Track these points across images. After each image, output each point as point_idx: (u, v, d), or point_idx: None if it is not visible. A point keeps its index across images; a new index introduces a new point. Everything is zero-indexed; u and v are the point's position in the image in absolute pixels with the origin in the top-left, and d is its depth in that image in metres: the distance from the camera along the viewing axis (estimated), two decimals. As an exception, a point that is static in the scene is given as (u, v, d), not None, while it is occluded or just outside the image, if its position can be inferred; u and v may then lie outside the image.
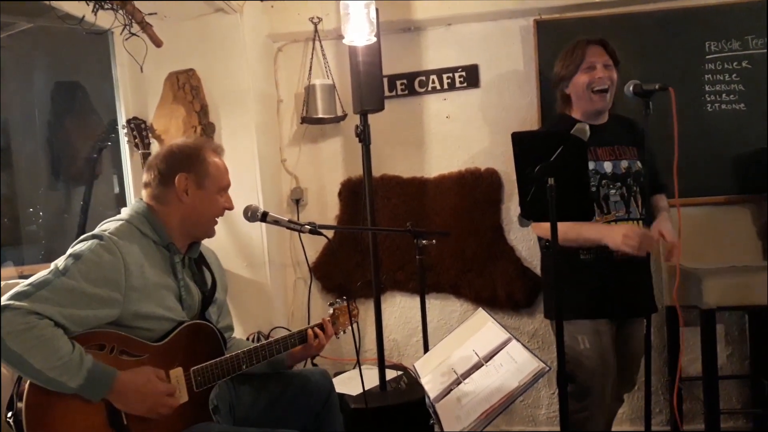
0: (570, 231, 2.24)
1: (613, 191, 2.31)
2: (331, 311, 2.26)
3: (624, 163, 2.34)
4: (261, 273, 3.01)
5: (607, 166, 2.33)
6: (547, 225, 2.21)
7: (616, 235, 2.16)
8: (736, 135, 2.89)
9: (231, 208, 1.94)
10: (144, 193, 1.88)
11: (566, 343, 2.29)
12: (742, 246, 2.94)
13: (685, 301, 2.33)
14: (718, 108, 2.91)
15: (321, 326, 2.14)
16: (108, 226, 1.74)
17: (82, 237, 1.68)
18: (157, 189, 1.85)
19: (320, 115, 3.08)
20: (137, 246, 1.72)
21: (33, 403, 1.49)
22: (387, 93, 3.14)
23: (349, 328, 2.27)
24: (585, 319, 2.29)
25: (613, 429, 2.51)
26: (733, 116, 2.89)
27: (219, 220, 1.95)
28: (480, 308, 2.14)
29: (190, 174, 1.84)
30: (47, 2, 2.31)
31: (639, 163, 2.35)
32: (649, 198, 2.39)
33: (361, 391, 2.12)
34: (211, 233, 1.92)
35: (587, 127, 1.77)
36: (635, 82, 2.03)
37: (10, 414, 1.53)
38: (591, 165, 2.29)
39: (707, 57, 2.90)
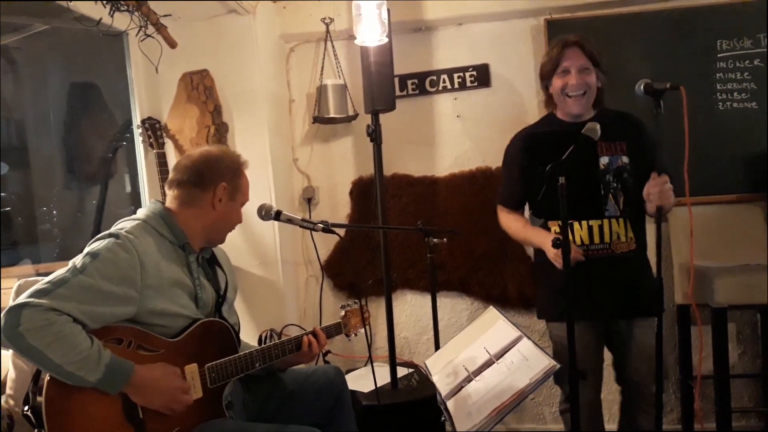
0: (518, 233, 2.39)
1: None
2: (342, 314, 2.27)
3: (604, 160, 2.25)
4: (273, 271, 3.03)
5: None
6: (507, 222, 2.42)
7: (549, 244, 2.04)
8: (748, 133, 2.88)
9: (241, 221, 2.01)
10: (169, 193, 1.90)
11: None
12: (753, 244, 2.93)
13: (696, 299, 2.33)
14: (730, 106, 2.90)
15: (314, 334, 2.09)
16: (124, 225, 1.77)
17: (98, 236, 1.71)
18: (191, 190, 1.87)
19: (332, 115, 3.10)
20: (153, 245, 1.74)
21: (52, 395, 1.52)
22: (398, 93, 3.15)
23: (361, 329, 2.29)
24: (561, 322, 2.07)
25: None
26: (745, 115, 2.89)
27: None
28: (491, 306, 2.14)
29: (228, 185, 1.89)
30: (64, 3, 2.34)
31: (624, 159, 2.25)
32: (634, 193, 2.24)
33: (373, 388, 2.13)
34: (223, 241, 2.00)
35: (598, 126, 1.78)
36: (646, 81, 2.01)
37: (27, 407, 1.57)
38: None
39: (719, 55, 2.89)
